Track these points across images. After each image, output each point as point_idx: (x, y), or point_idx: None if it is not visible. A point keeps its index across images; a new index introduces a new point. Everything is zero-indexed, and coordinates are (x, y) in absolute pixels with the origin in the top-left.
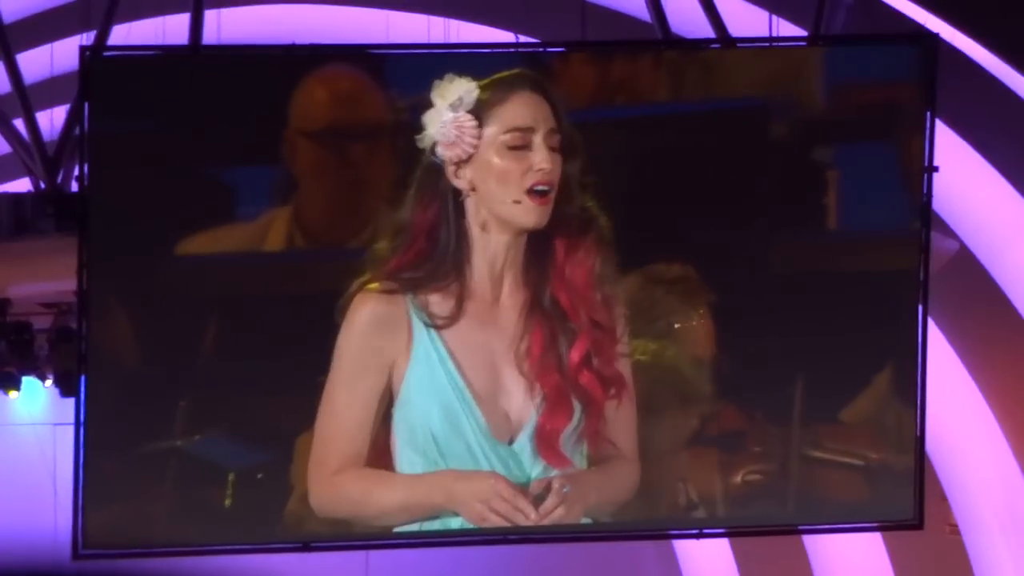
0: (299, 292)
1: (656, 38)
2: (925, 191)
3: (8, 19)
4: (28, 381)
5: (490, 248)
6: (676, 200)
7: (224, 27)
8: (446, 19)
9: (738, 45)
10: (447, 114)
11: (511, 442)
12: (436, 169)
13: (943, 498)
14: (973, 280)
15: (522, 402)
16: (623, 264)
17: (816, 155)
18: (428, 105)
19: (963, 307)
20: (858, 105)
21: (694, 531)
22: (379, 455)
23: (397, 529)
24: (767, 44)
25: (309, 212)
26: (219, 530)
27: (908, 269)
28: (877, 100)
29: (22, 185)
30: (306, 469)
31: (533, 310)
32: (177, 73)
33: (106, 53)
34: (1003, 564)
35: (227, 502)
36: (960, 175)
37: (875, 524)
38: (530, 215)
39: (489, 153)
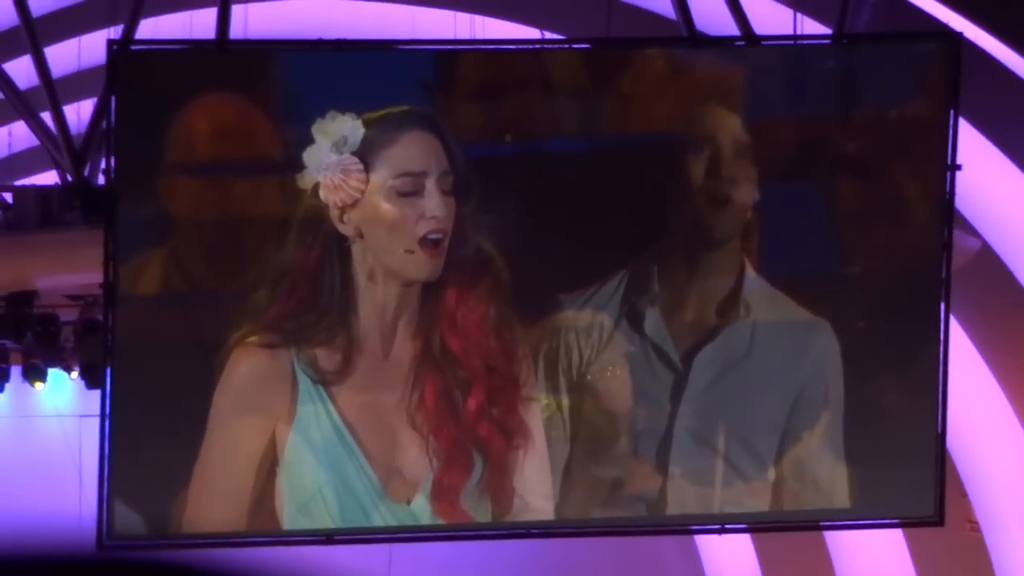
0: (177, 339)
1: (681, 35)
2: (948, 189)
3: (36, 13)
4: (54, 373)
5: (378, 299)
6: (586, 241)
7: (251, 23)
8: (472, 15)
9: (763, 43)
10: (331, 155)
11: (409, 501)
12: (318, 211)
13: (963, 495)
14: (995, 277)
15: (417, 458)
16: (526, 307)
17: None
18: (309, 141)
19: (985, 304)
20: (781, 141)
21: (716, 527)
22: (263, 518)
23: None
24: (791, 42)
25: (189, 252)
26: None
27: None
28: (802, 136)
29: (49, 178)
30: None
31: (425, 360)
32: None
33: (133, 47)
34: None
35: None
36: (982, 173)
37: (896, 520)
38: (422, 268)
39: (377, 199)
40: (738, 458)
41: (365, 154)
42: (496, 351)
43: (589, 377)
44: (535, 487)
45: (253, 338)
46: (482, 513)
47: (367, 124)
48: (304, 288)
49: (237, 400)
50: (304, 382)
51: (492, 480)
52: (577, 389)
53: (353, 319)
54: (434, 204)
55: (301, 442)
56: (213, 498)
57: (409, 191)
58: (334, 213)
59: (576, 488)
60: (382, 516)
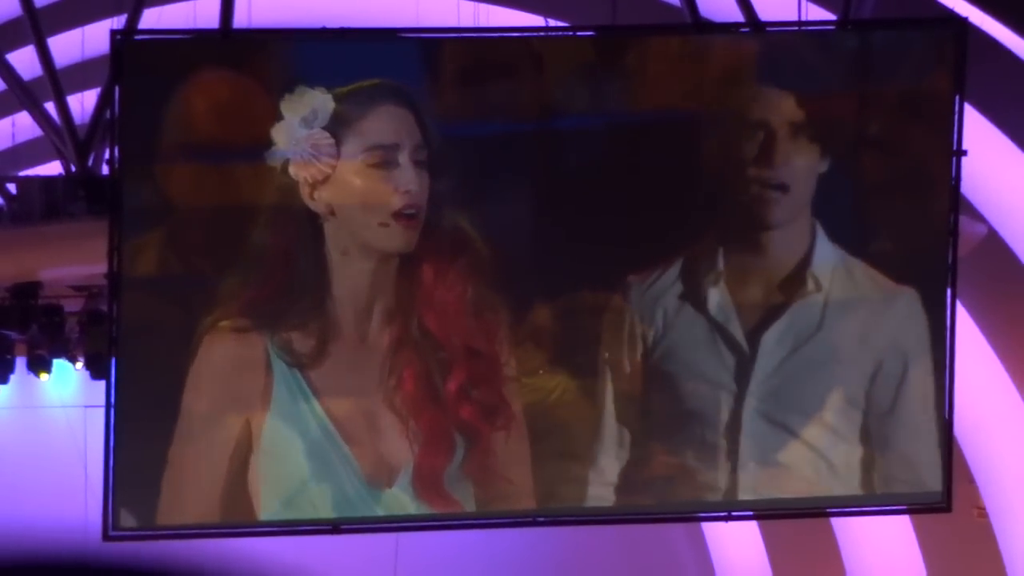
0: (163, 326)
1: (685, 22)
2: (953, 175)
3: (40, 3)
4: (59, 364)
5: (353, 276)
6: (584, 222)
7: (254, 12)
8: (475, 2)
9: (767, 29)
10: (300, 130)
11: (390, 486)
12: (289, 190)
13: (971, 481)
14: (1001, 263)
15: (397, 441)
16: (526, 291)
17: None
18: (278, 117)
19: (991, 289)
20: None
21: (722, 513)
22: (238, 506)
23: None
24: (796, 28)
25: (179, 236)
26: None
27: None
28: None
29: (53, 168)
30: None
31: (403, 342)
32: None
33: (137, 37)
34: None
35: None
36: (989, 159)
37: (904, 507)
38: (396, 239)
39: (349, 173)
40: (816, 439)
41: (336, 129)
42: (476, 332)
43: (652, 361)
44: (521, 468)
45: (225, 322)
46: (466, 497)
47: (338, 99)
48: (276, 270)
49: (209, 387)
50: (279, 367)
51: (474, 462)
52: (641, 374)
53: (328, 300)
54: (407, 178)
55: (278, 429)
56: (187, 488)
57: (380, 163)
58: (304, 190)
59: (640, 474)
60: (364, 501)
